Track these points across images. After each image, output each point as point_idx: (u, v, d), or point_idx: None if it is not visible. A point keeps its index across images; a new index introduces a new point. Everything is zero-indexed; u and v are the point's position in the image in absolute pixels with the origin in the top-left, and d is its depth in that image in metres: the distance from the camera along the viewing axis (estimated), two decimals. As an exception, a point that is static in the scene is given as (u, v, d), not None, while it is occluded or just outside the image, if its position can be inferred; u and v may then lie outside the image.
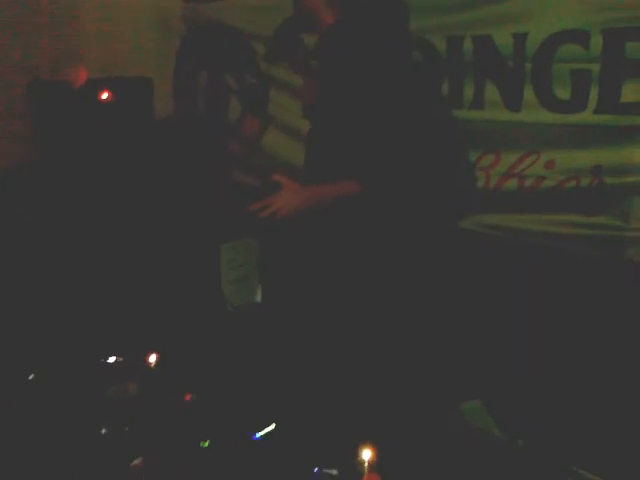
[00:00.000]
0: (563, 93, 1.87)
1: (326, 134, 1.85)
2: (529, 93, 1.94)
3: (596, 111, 1.83)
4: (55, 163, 2.22)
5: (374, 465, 1.34)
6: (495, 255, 2.04)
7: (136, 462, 1.41)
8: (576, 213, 1.92)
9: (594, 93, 1.82)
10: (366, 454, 1.34)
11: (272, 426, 1.50)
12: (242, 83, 2.84)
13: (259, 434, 1.48)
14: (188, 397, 1.63)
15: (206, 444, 1.44)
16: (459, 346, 1.91)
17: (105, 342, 1.85)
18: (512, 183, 2.02)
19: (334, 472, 1.34)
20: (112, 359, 1.74)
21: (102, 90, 2.21)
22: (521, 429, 1.73)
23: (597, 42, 1.79)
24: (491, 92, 2.02)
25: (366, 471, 1.33)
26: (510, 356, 1.88)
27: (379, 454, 1.35)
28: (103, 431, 1.52)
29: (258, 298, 2.41)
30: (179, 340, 1.91)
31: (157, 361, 1.75)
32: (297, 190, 1.80)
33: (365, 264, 1.86)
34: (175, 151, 2.64)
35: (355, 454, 1.35)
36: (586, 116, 1.84)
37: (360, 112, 1.72)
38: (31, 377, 1.66)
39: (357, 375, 1.74)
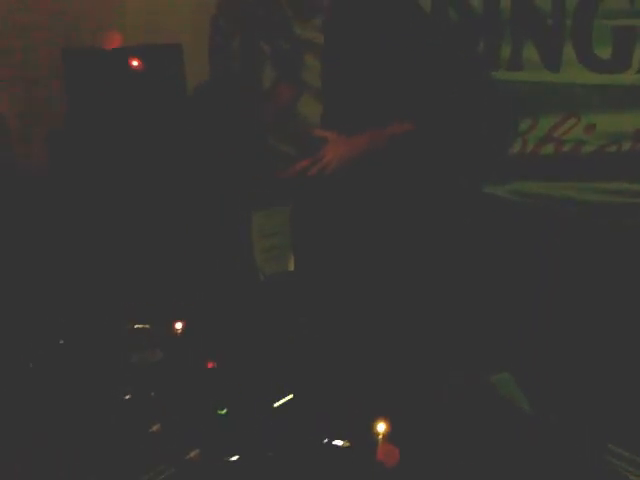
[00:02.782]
0: (605, 52, 1.76)
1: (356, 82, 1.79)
2: (569, 52, 1.83)
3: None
4: (87, 129, 2.25)
5: (389, 437, 1.32)
6: (529, 224, 1.96)
7: (154, 428, 1.44)
8: (617, 180, 1.82)
9: (639, 52, 1.70)
10: (381, 426, 1.33)
11: (290, 396, 1.50)
12: (276, 48, 2.79)
13: (277, 404, 1.49)
14: (210, 365, 1.64)
15: (224, 412, 1.45)
16: (486, 317, 1.85)
17: (135, 309, 1.88)
18: (549, 148, 1.93)
19: (344, 444, 1.33)
20: (138, 326, 1.77)
21: (132, 58, 2.20)
22: (552, 404, 1.68)
23: (643, -5, 1.67)
24: (529, 51, 1.92)
25: (381, 442, 1.31)
26: (540, 327, 1.82)
27: (401, 426, 1.34)
28: (127, 397, 1.55)
29: (291, 267, 2.40)
30: (208, 308, 1.93)
31: (183, 328, 1.77)
32: (344, 140, 1.76)
33: (394, 232, 1.83)
34: (209, 118, 2.63)
35: (370, 427, 1.34)
36: (629, 76, 1.73)
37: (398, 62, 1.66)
38: (61, 342, 1.71)
39: (381, 345, 1.72)
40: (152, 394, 1.55)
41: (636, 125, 1.74)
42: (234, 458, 1.31)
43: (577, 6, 1.78)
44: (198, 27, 2.92)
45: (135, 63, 2.23)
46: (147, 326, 1.78)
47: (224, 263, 2.23)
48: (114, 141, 2.26)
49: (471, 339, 1.81)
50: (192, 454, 1.37)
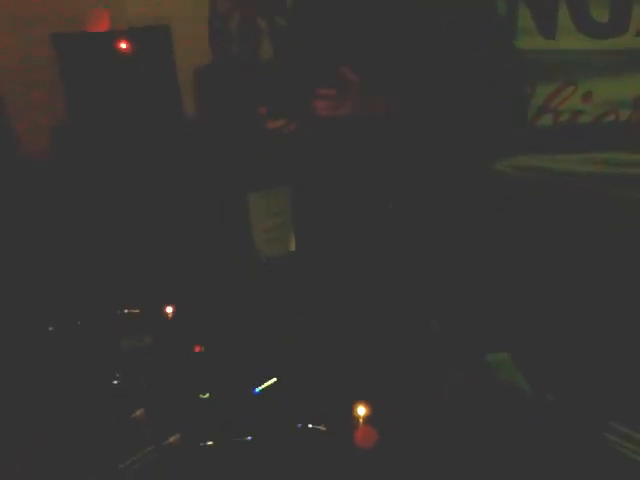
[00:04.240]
0: (601, 15, 1.66)
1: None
2: (564, 16, 1.73)
3: (639, 34, 1.61)
4: (83, 116, 2.24)
5: (369, 420, 1.30)
6: (529, 200, 1.89)
7: (138, 413, 1.44)
8: (616, 150, 1.74)
9: (637, 13, 1.60)
10: (361, 410, 1.31)
11: (273, 380, 1.49)
12: (273, 25, 2.74)
13: (259, 388, 1.47)
14: (197, 349, 1.64)
15: (206, 396, 1.45)
16: (483, 296, 1.81)
17: (130, 293, 1.88)
18: (547, 119, 1.85)
19: (322, 428, 1.31)
20: (127, 310, 1.77)
21: (120, 41, 2.18)
22: (551, 383, 1.63)
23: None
24: (523, 17, 1.83)
25: (360, 424, 1.29)
26: (538, 307, 1.76)
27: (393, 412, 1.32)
28: (115, 381, 1.56)
29: (292, 247, 2.37)
30: (204, 292, 1.92)
31: (174, 312, 1.76)
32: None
33: (395, 211, 1.78)
34: (204, 98, 2.60)
35: (350, 410, 1.32)
36: (627, 40, 1.63)
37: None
38: (51, 328, 1.72)
39: (373, 329, 1.69)
40: (139, 379, 1.55)
41: (635, 91, 1.66)
42: (210, 443, 1.31)
43: (572, -33, 1.69)
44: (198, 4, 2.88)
45: (123, 46, 2.21)
46: (137, 310, 1.78)
47: (220, 246, 2.22)
48: (109, 127, 2.25)
49: (471, 320, 1.77)
50: (172, 439, 1.37)
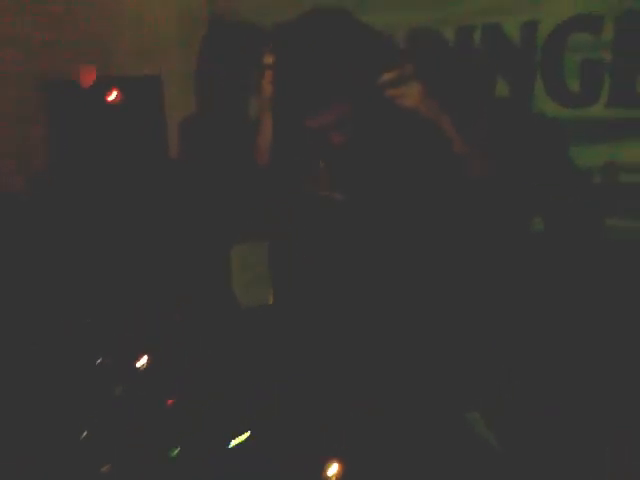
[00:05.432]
0: (574, 85, 1.74)
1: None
2: (539, 86, 1.81)
3: (608, 104, 1.69)
4: (66, 163, 2.26)
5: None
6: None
7: (105, 468, 1.40)
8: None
9: (607, 84, 1.68)
10: (332, 469, 1.29)
11: (246, 434, 1.46)
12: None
13: (232, 443, 1.45)
14: (170, 402, 1.61)
15: (175, 452, 1.42)
16: (452, 351, 1.80)
17: (106, 343, 1.85)
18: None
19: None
20: (100, 360, 1.74)
21: (110, 90, 2.22)
22: (523, 441, 1.63)
23: (610, 28, 1.65)
24: (501, 86, 1.90)
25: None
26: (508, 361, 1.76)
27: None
28: (84, 435, 1.52)
29: (270, 300, 2.38)
30: (182, 342, 1.90)
31: (149, 363, 1.74)
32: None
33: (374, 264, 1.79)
34: (188, 150, 2.63)
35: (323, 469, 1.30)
36: (598, 109, 1.71)
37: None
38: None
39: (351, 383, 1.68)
40: (108, 431, 1.52)
41: (605, 158, 1.72)
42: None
43: (546, 40, 1.77)
44: (185, 59, 2.95)
45: (113, 95, 2.25)
46: (109, 360, 1.75)
47: (200, 295, 2.21)
48: (95, 173, 2.27)
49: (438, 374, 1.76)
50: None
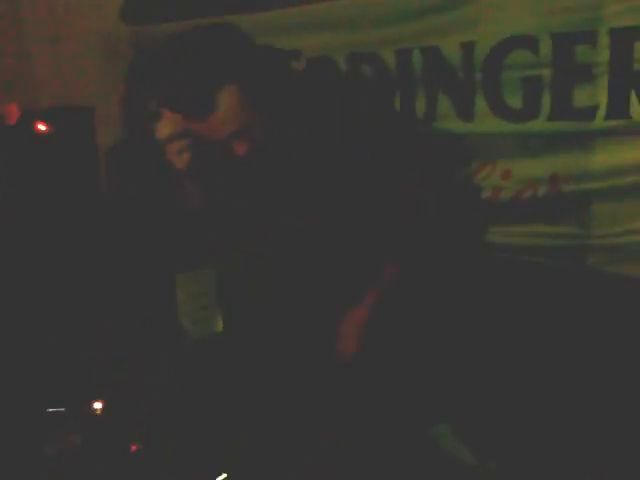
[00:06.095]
0: (515, 101, 1.82)
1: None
2: (481, 103, 1.88)
3: (549, 118, 1.77)
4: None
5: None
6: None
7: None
8: (535, 223, 1.86)
9: (546, 100, 1.76)
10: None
11: (223, 476, 1.39)
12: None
13: (210, 485, 1.38)
14: (134, 447, 1.51)
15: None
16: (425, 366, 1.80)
17: (46, 390, 1.72)
18: (472, 194, 1.95)
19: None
20: (51, 410, 1.61)
21: (38, 122, 2.10)
22: (494, 451, 1.65)
23: (546, 47, 1.74)
24: (443, 104, 1.96)
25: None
26: (479, 374, 1.79)
27: None
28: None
29: (219, 328, 2.31)
30: (129, 384, 1.79)
31: (103, 408, 1.63)
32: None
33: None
34: (125, 177, 2.53)
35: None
36: (539, 124, 1.79)
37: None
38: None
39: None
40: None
41: (550, 170, 1.80)
42: None
43: (485, 59, 1.84)
44: (109, 89, 2.86)
45: (41, 128, 2.13)
46: (62, 409, 1.63)
47: (147, 330, 2.10)
48: (25, 208, 2.13)
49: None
50: None
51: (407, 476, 1.54)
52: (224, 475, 1.39)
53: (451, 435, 1.69)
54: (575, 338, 1.76)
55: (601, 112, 1.70)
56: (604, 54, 1.67)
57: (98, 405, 1.63)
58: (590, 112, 1.72)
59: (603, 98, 1.69)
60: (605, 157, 1.72)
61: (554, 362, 1.79)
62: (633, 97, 1.65)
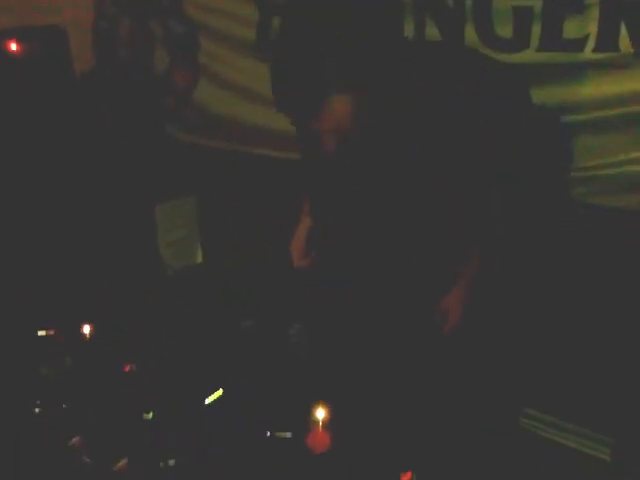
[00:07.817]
0: (505, 31, 1.81)
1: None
2: (470, 32, 1.87)
3: (539, 49, 1.78)
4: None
5: (327, 424, 1.29)
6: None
7: (74, 440, 1.32)
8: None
9: (536, 30, 1.77)
10: (320, 413, 1.29)
11: (220, 392, 1.43)
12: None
13: (207, 400, 1.41)
14: (127, 368, 1.53)
15: (150, 415, 1.36)
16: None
17: (36, 314, 1.72)
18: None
19: (288, 435, 1.29)
20: (42, 332, 1.61)
21: (10, 41, 2.00)
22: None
23: (538, -25, 1.73)
24: (431, 32, 1.94)
25: (316, 428, 1.28)
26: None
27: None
28: (37, 410, 1.41)
29: (199, 259, 2.32)
30: (116, 308, 1.80)
31: (92, 332, 1.64)
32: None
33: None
34: (98, 106, 2.45)
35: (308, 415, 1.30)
36: (529, 54, 1.79)
37: None
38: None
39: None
40: (64, 406, 1.42)
41: (538, 100, 1.81)
42: (171, 462, 1.23)
43: (476, -14, 1.82)
44: (79, 8, 2.72)
45: (13, 47, 2.03)
46: (52, 332, 1.63)
47: (130, 259, 2.09)
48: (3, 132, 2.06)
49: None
50: (120, 464, 1.27)
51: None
52: (220, 391, 1.43)
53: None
54: (562, 273, 1.72)
55: (590, 44, 1.72)
56: (596, -16, 1.67)
57: (87, 328, 1.63)
58: (579, 44, 1.73)
59: (593, 30, 1.70)
60: (592, 89, 1.75)
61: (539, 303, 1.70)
62: (623, 30, 1.67)
